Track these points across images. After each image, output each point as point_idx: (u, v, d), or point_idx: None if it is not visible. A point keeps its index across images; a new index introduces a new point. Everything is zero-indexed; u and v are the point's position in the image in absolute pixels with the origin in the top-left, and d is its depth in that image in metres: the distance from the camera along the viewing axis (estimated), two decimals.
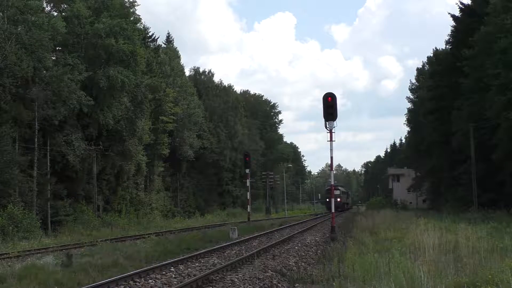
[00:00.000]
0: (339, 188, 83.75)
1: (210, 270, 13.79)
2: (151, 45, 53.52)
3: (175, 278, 13.53)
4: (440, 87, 49.41)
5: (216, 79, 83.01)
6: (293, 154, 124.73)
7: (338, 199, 76.02)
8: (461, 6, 47.68)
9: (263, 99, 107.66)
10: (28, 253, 20.88)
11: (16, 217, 28.16)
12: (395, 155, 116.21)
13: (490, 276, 8.63)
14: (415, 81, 75.77)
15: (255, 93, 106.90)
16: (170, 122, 53.41)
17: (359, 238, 20.03)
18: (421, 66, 76.62)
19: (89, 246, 22.59)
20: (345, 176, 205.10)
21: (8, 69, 31.40)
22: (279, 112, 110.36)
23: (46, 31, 33.49)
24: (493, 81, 34.56)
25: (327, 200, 75.93)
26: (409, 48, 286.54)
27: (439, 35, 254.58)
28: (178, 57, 63.35)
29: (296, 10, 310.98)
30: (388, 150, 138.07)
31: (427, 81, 59.61)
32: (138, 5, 45.98)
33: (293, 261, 16.78)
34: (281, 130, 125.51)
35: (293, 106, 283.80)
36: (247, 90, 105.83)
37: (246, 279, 12.89)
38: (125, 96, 41.97)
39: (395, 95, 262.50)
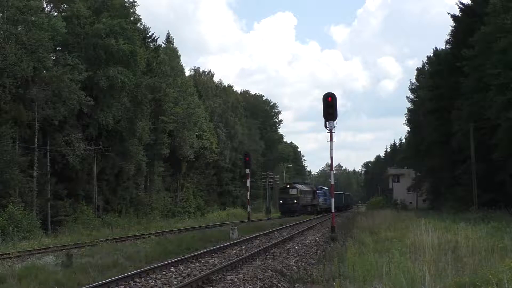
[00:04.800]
0: (296, 186, 63.38)
1: (210, 270, 13.80)
2: (151, 45, 53.50)
3: (175, 278, 13.53)
4: (440, 87, 49.42)
5: (216, 79, 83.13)
6: (293, 154, 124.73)
7: (295, 200, 59.68)
8: (461, 6, 47.73)
9: (263, 99, 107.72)
10: (28, 253, 20.88)
11: (16, 217, 28.15)
12: (395, 155, 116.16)
13: (490, 276, 8.63)
14: (415, 81, 75.84)
15: (255, 93, 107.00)
16: (170, 122, 53.36)
17: (359, 238, 20.02)
18: (421, 66, 76.71)
19: (89, 246, 22.57)
20: (345, 176, 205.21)
21: (8, 69, 31.42)
22: (279, 112, 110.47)
23: (46, 31, 33.52)
24: (493, 81, 34.56)
25: (281, 202, 62.02)
26: (409, 49, 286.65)
27: (439, 35, 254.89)
28: (178, 57, 63.31)
29: (295, 10, 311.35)
30: (388, 150, 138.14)
31: (427, 81, 59.64)
32: (138, 5, 46.04)
33: (293, 261, 16.79)
34: (281, 130, 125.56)
35: (293, 106, 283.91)
36: (247, 90, 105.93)
37: (246, 279, 12.90)
38: (125, 96, 41.96)
39: (394, 95, 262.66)
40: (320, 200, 72.30)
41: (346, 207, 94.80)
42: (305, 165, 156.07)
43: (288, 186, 63.58)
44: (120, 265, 15.85)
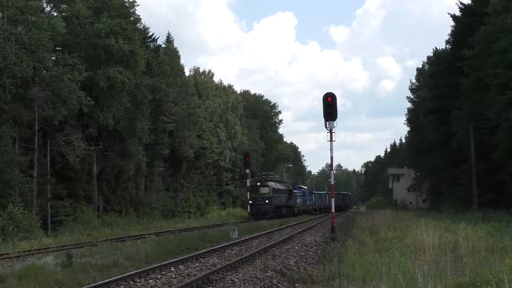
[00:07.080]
0: (269, 184, 55.68)
1: (210, 270, 13.80)
2: (151, 45, 53.42)
3: (175, 278, 13.54)
4: (440, 87, 49.45)
5: (216, 79, 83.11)
6: (293, 154, 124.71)
7: (267, 201, 52.70)
8: (461, 6, 47.77)
9: (263, 99, 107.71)
10: (28, 253, 20.88)
11: (16, 217, 28.10)
12: (395, 155, 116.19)
13: (490, 276, 8.63)
14: (415, 81, 75.88)
15: (255, 93, 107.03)
16: (170, 122, 53.34)
17: (359, 238, 20.03)
18: (421, 66, 76.81)
19: (89, 246, 22.57)
20: (345, 176, 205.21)
21: (8, 69, 31.37)
22: (279, 112, 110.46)
23: (46, 31, 33.47)
24: (493, 81, 34.59)
25: (250, 202, 52.74)
26: (408, 49, 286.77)
27: (439, 35, 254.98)
28: (178, 57, 63.26)
29: (295, 10, 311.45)
30: (388, 150, 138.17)
31: (427, 81, 59.69)
32: (138, 5, 45.91)
33: (293, 261, 16.79)
34: (281, 130, 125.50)
35: (293, 106, 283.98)
36: (247, 90, 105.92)
37: (246, 279, 12.90)
38: (125, 96, 41.95)
39: (394, 95, 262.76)
40: (298, 200, 65.98)
41: (342, 207, 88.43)
42: (305, 165, 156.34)
43: (258, 184, 55.89)
44: (120, 265, 15.85)
